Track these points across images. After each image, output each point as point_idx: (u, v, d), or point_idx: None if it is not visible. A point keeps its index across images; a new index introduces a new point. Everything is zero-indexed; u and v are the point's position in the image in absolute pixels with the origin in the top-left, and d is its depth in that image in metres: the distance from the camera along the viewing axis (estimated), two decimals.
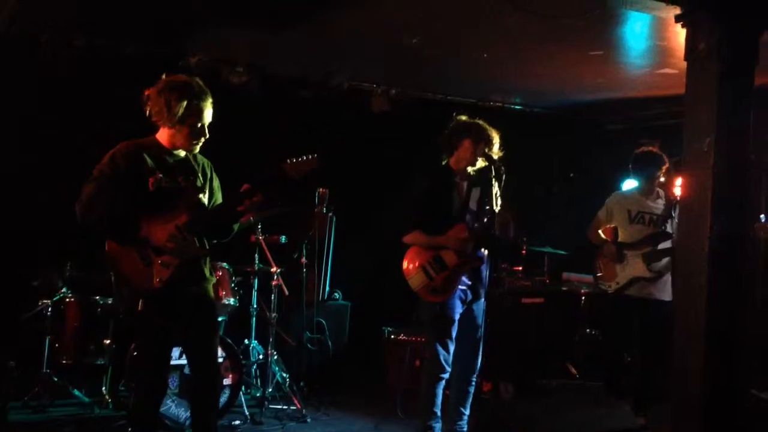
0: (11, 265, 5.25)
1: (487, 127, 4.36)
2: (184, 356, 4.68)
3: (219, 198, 3.63)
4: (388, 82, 6.53)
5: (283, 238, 5.42)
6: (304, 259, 5.69)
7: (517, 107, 7.27)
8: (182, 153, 3.49)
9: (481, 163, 4.33)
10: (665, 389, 3.77)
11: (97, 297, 5.16)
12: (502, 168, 4.21)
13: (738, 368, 3.37)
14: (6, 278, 5.24)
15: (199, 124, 3.40)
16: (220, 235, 3.67)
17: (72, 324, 5.07)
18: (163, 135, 3.45)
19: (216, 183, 3.64)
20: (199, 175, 3.53)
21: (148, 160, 3.38)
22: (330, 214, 6.32)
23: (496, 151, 4.30)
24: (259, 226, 5.24)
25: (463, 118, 4.44)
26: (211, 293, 3.59)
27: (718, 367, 3.28)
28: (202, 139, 3.47)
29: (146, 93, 3.42)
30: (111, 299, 5.19)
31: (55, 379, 4.94)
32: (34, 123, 5.47)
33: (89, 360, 5.10)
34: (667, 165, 5.13)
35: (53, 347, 4.99)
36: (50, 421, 4.74)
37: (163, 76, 3.45)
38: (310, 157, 3.46)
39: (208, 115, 3.43)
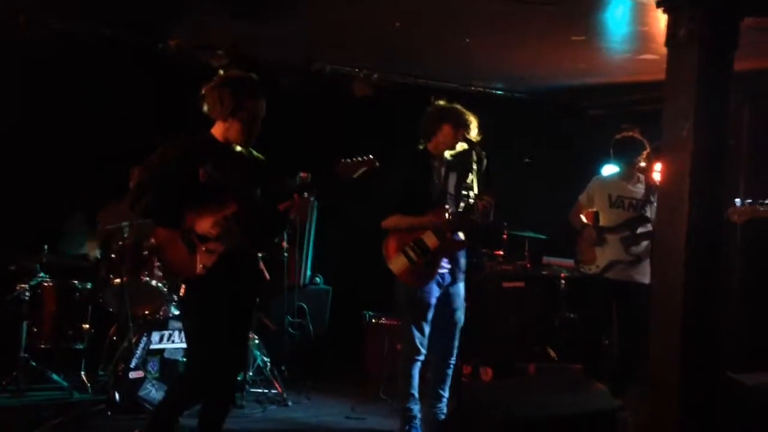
0: None
1: (465, 111, 4.37)
2: (163, 341, 4.70)
3: None
4: (369, 67, 6.50)
5: None
6: (285, 243, 5.68)
7: (498, 92, 7.27)
8: (237, 147, 3.52)
9: (459, 147, 4.34)
10: (643, 371, 3.81)
11: (75, 281, 5.14)
12: (483, 153, 4.22)
13: (715, 351, 3.41)
14: None
15: (251, 119, 3.43)
16: (274, 231, 3.73)
17: (50, 308, 5.04)
18: (217, 129, 3.48)
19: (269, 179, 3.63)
20: (252, 169, 3.55)
21: (200, 152, 3.41)
22: (312, 198, 6.29)
23: (474, 136, 4.31)
24: None
25: (441, 103, 4.44)
26: (255, 291, 3.72)
27: (695, 349, 3.31)
28: (256, 134, 3.49)
29: (203, 90, 3.46)
30: (89, 284, 5.17)
31: (33, 364, 4.91)
32: (9, 106, 5.39)
33: (67, 344, 5.09)
34: (647, 150, 5.16)
35: (31, 332, 4.96)
36: (29, 405, 4.70)
37: (220, 72, 3.52)
38: (365, 158, 3.48)
39: (260, 109, 3.47)
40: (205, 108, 3.46)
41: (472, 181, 4.30)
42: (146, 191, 3.34)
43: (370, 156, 3.50)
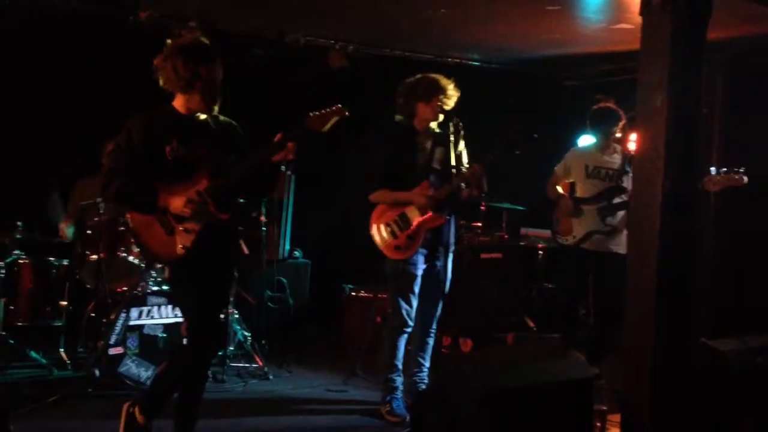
0: None
1: (434, 77, 4.34)
2: (142, 317, 4.69)
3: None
4: (345, 39, 6.45)
5: None
6: (263, 217, 5.67)
7: (475, 63, 7.26)
8: (202, 117, 3.41)
9: (442, 117, 4.34)
10: (619, 340, 3.87)
11: (52, 258, 5.10)
12: (460, 124, 4.22)
13: (688, 318, 3.46)
14: None
15: (210, 85, 3.32)
16: (257, 191, 3.71)
17: (26, 286, 5.02)
18: (178, 102, 3.38)
19: (243, 143, 3.52)
20: (221, 138, 3.44)
21: (164, 129, 3.31)
22: (289, 172, 6.27)
23: (451, 95, 4.28)
24: None
25: (410, 79, 4.39)
26: (232, 261, 3.67)
27: (670, 317, 3.36)
28: (218, 100, 3.39)
29: (154, 63, 3.33)
30: (66, 261, 5.13)
31: (11, 342, 4.88)
32: None
33: (45, 322, 5.08)
34: (623, 120, 5.19)
35: (8, 309, 4.93)
36: (8, 383, 4.68)
37: (168, 42, 3.36)
38: (334, 107, 3.39)
39: (217, 74, 3.34)
40: (161, 81, 3.34)
41: (460, 153, 4.31)
42: (114, 177, 3.25)
43: (339, 105, 3.42)
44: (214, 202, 3.33)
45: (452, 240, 4.45)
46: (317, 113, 3.39)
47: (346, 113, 3.43)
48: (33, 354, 4.96)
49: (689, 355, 3.50)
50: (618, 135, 5.26)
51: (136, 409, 3.43)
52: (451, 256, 4.46)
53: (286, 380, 5.21)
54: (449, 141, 4.27)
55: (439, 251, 4.40)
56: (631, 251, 3.64)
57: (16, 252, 5.00)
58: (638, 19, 3.65)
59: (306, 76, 6.40)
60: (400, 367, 4.44)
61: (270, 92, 6.15)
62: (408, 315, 4.36)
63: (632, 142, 5.16)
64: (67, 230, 5.37)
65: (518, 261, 6.47)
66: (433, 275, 4.42)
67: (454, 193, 4.28)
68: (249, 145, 3.54)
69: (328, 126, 3.42)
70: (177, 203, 3.27)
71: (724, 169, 4.68)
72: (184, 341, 3.70)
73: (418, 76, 4.40)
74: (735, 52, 6.08)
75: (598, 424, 3.95)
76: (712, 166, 4.53)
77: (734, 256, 6.15)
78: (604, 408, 4.02)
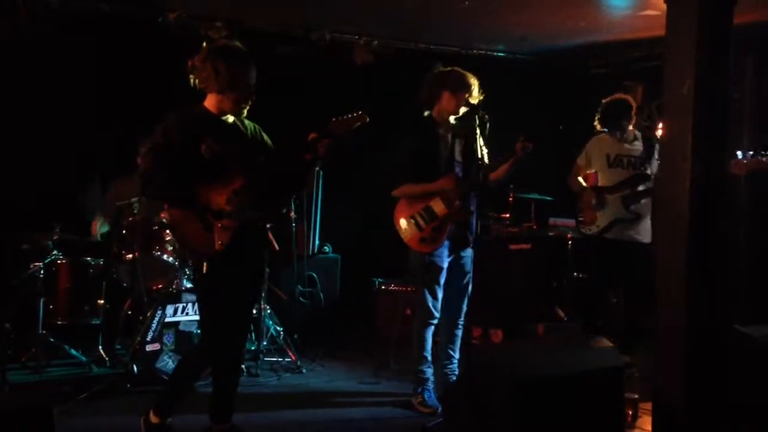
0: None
1: (464, 73, 4.35)
2: (177, 314, 4.78)
3: None
4: (370, 34, 6.48)
5: None
6: (292, 213, 5.73)
7: (500, 54, 7.24)
8: (230, 119, 3.50)
9: (462, 110, 4.34)
10: (649, 328, 3.86)
11: (88, 258, 5.20)
12: (486, 116, 4.22)
13: (720, 304, 3.43)
14: None
15: (246, 87, 3.42)
16: (291, 190, 3.84)
17: (65, 285, 5.12)
18: (211, 102, 3.46)
19: (269, 144, 3.63)
20: (251, 139, 3.55)
21: (199, 127, 3.39)
22: (317, 168, 6.32)
23: (476, 96, 4.30)
24: None
25: (438, 69, 4.42)
26: (264, 261, 3.78)
27: (700, 303, 3.34)
28: (249, 102, 3.48)
29: (190, 63, 3.42)
30: (102, 260, 5.24)
31: (51, 340, 5.00)
32: (13, 84, 5.42)
33: (84, 320, 5.18)
34: (635, 107, 5.14)
35: (47, 309, 5.04)
36: (49, 381, 4.80)
37: (204, 45, 3.47)
38: (355, 113, 3.48)
39: (254, 77, 3.45)
40: (196, 81, 3.42)
41: (480, 146, 4.31)
42: (156, 174, 3.32)
43: (360, 111, 3.50)
44: (250, 200, 3.40)
45: (476, 231, 4.44)
46: (340, 118, 3.47)
47: (367, 119, 3.49)
48: (72, 351, 5.08)
49: (721, 341, 3.48)
50: (644, 124, 5.22)
51: (151, 413, 3.57)
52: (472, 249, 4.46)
53: (319, 374, 5.27)
54: (474, 133, 4.27)
55: (464, 243, 4.42)
56: (659, 239, 3.63)
57: (54, 253, 5.11)
58: (663, 6, 3.63)
59: (332, 72, 6.44)
60: (430, 358, 4.47)
61: (298, 89, 6.20)
62: (434, 307, 4.39)
63: (660, 130, 5.12)
64: (100, 228, 5.49)
65: (547, 251, 6.46)
66: (459, 267, 4.44)
67: (479, 184, 4.29)
68: (273, 147, 3.63)
69: (351, 131, 3.49)
70: (218, 200, 3.35)
71: (751, 153, 4.62)
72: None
73: (449, 68, 4.41)
74: (766, 35, 5.98)
75: (630, 412, 3.95)
76: (740, 150, 4.47)
77: (765, 240, 6.05)
78: (636, 396, 4.02)
